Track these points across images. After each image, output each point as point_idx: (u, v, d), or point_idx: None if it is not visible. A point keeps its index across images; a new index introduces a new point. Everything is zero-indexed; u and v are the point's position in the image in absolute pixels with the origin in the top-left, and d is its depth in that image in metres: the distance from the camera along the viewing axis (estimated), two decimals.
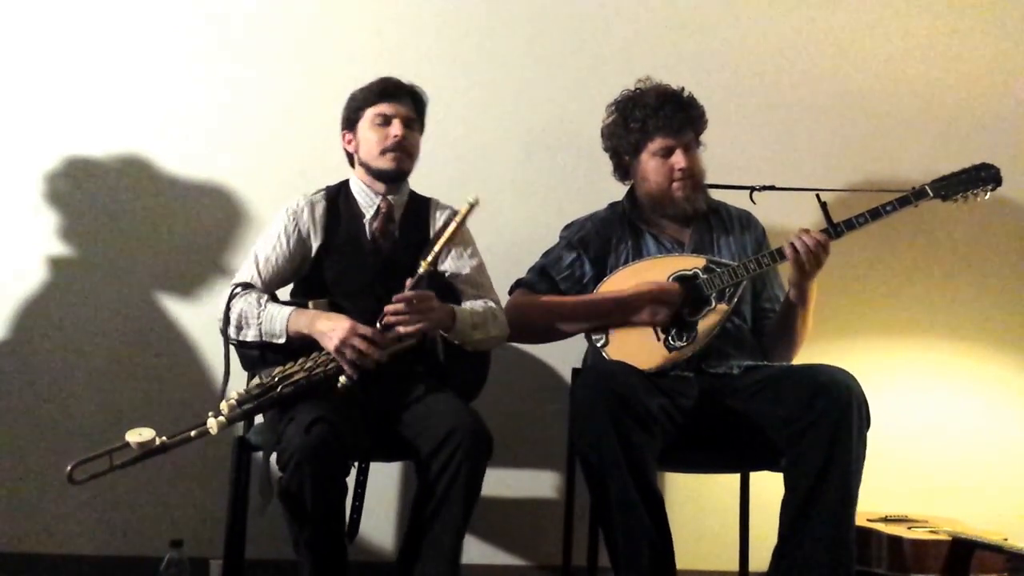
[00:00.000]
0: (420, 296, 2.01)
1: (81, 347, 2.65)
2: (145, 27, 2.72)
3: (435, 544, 1.95)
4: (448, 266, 2.26)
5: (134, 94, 2.70)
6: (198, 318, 2.64)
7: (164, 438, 1.89)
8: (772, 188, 2.38)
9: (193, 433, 1.91)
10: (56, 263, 2.67)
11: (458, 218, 2.04)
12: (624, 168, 2.38)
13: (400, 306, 1.99)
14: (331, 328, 1.99)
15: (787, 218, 2.44)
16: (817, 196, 2.18)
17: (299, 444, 1.85)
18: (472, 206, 2.03)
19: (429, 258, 2.03)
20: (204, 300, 2.65)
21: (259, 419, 2.21)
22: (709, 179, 2.36)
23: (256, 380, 2.00)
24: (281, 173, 2.68)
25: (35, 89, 2.69)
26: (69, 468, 1.84)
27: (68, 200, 2.67)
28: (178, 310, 2.67)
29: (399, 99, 2.23)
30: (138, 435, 1.86)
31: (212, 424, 1.91)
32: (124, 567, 2.58)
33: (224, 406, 1.93)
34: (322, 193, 2.27)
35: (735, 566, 2.53)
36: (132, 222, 2.68)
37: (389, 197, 2.26)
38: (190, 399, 2.57)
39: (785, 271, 2.29)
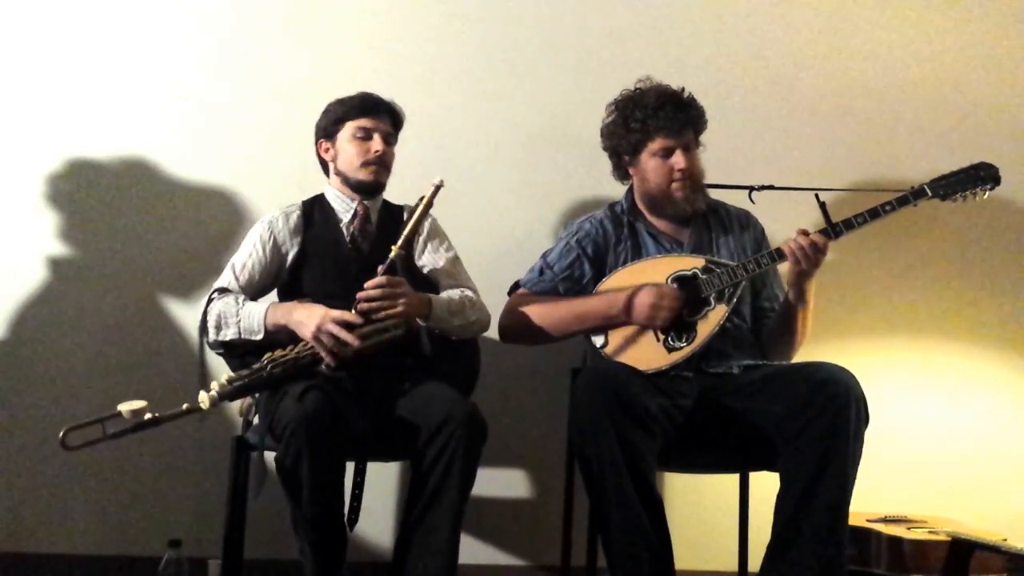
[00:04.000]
0: (392, 281, 2.05)
1: (80, 347, 2.65)
2: (145, 28, 2.71)
3: (432, 533, 1.96)
4: (424, 260, 2.31)
5: (134, 95, 2.70)
6: (197, 319, 2.63)
7: (155, 413, 1.90)
8: (771, 188, 2.38)
9: (185, 407, 1.93)
10: (55, 263, 2.67)
11: (426, 200, 2.09)
12: (623, 168, 2.38)
13: (373, 292, 2.03)
14: (307, 316, 2.03)
15: (786, 218, 2.43)
16: (816, 196, 2.18)
17: (293, 413, 1.88)
18: (437, 188, 2.09)
19: (400, 241, 2.07)
20: (203, 301, 2.63)
21: (257, 420, 2.21)
22: (708, 178, 2.36)
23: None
24: (280, 175, 2.67)
25: (35, 90, 2.69)
26: (62, 434, 1.85)
27: (68, 200, 2.67)
28: (177, 311, 2.67)
29: (379, 115, 2.29)
30: (130, 405, 1.88)
31: (203, 398, 1.93)
32: (122, 567, 2.58)
33: (215, 384, 1.95)
34: (297, 206, 2.33)
35: (734, 566, 2.52)
36: (132, 223, 2.68)
37: (365, 202, 2.31)
38: (189, 399, 2.56)
39: (785, 271, 2.30)
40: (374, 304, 2.03)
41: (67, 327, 2.65)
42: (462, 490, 1.97)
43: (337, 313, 2.01)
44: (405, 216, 2.34)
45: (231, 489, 2.17)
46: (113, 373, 2.64)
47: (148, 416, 1.89)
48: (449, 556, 1.96)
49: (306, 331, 2.01)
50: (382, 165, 2.28)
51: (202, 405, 1.93)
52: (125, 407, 1.88)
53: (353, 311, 2.03)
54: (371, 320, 2.04)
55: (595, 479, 2.01)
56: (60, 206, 2.67)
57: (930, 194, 2.19)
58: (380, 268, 2.06)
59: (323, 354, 2.00)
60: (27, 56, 2.69)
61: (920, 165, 2.55)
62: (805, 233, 2.13)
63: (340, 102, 2.31)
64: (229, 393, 1.95)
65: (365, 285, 2.04)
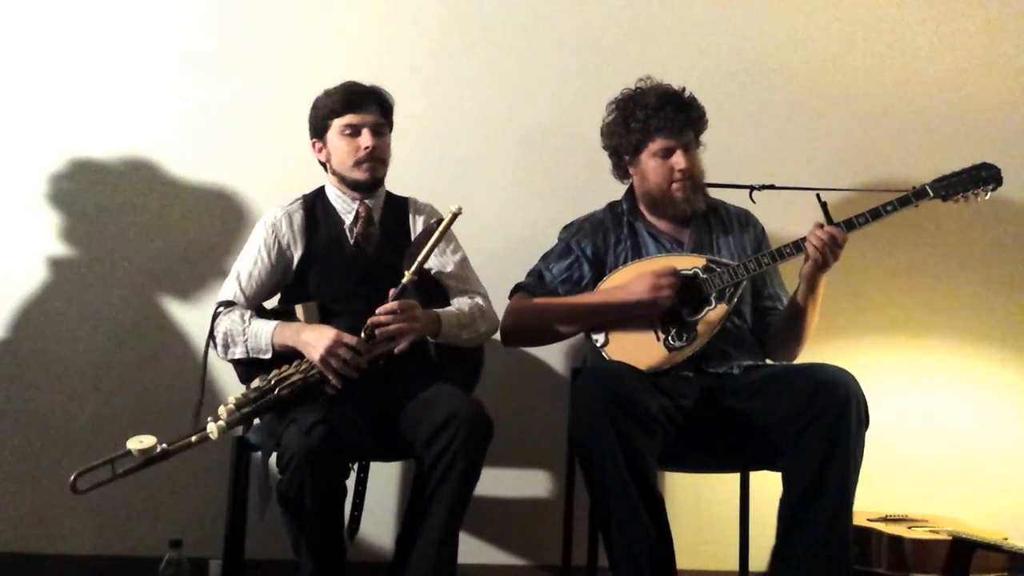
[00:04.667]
0: (404, 306, 2.02)
1: (80, 347, 2.65)
2: (145, 28, 2.71)
3: (432, 530, 1.95)
4: (432, 263, 2.26)
5: (135, 95, 2.70)
6: (197, 319, 2.63)
7: (165, 444, 1.89)
8: (772, 187, 2.37)
9: (194, 439, 1.91)
10: (55, 263, 2.67)
11: (441, 228, 2.04)
12: (623, 167, 2.38)
13: (384, 317, 2.01)
14: (316, 339, 2.00)
15: (787, 217, 2.44)
16: (817, 196, 2.18)
17: (299, 446, 1.86)
18: (455, 215, 2.03)
19: (413, 267, 2.04)
20: (203, 301, 2.64)
21: (258, 421, 2.21)
22: (708, 178, 2.36)
23: (255, 383, 2.01)
24: (281, 173, 2.67)
25: (36, 90, 2.69)
26: (72, 478, 1.84)
27: (68, 200, 2.67)
28: (177, 311, 2.67)
29: (365, 107, 2.22)
30: (139, 443, 1.87)
31: (212, 429, 1.91)
32: (123, 567, 2.58)
33: (223, 410, 1.93)
34: (299, 203, 2.28)
35: (735, 566, 2.52)
36: (132, 222, 2.68)
37: (367, 201, 2.27)
38: (189, 399, 2.54)
39: (785, 270, 2.29)
40: (384, 330, 2.01)
41: (68, 327, 2.65)
42: (464, 486, 1.95)
43: (347, 337, 1.99)
44: (412, 215, 2.31)
45: (232, 489, 2.17)
46: (115, 373, 2.65)
47: (158, 450, 1.88)
48: (448, 552, 1.96)
49: (314, 353, 1.99)
50: (375, 160, 2.22)
51: (211, 435, 1.91)
52: (134, 445, 1.87)
53: (363, 334, 2.01)
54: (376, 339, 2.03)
55: (596, 478, 2.00)
56: (60, 206, 2.67)
57: (932, 195, 2.19)
58: (392, 292, 2.03)
59: (330, 376, 1.99)
60: (27, 56, 2.69)
61: (922, 165, 2.55)
62: (821, 228, 2.13)
63: (326, 95, 2.25)
64: (237, 420, 1.94)
65: (377, 311, 2.01)
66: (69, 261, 2.67)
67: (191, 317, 2.66)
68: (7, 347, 2.63)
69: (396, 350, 2.03)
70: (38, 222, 2.66)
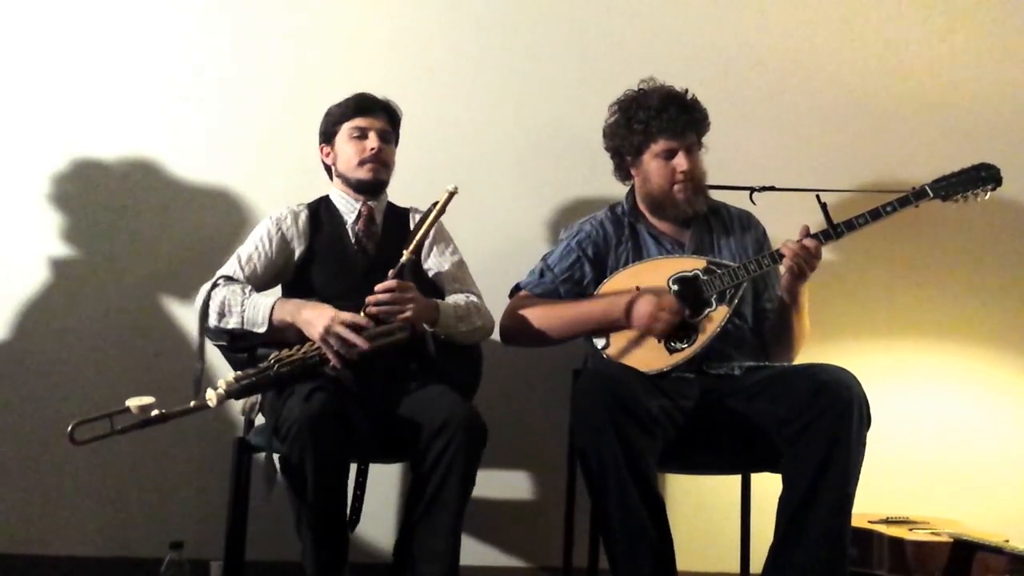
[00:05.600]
0: (401, 286, 2.05)
1: (82, 347, 2.65)
2: (147, 28, 2.72)
3: (431, 537, 1.96)
4: (430, 264, 2.32)
5: (136, 95, 2.70)
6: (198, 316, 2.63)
7: (163, 410, 1.90)
8: (772, 189, 2.38)
9: (192, 404, 1.93)
10: (57, 263, 2.67)
11: (439, 206, 2.09)
12: (626, 168, 2.38)
13: (382, 296, 2.03)
14: (315, 316, 2.02)
15: (787, 219, 2.43)
16: (817, 197, 2.18)
17: (299, 412, 1.88)
18: (451, 194, 2.08)
19: (411, 246, 2.07)
20: None
21: (259, 421, 2.21)
22: (710, 179, 2.36)
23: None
24: (282, 174, 2.68)
25: (38, 90, 2.69)
26: (70, 428, 1.85)
27: (70, 200, 2.67)
28: (179, 310, 2.67)
29: (374, 113, 2.30)
30: (138, 401, 1.89)
31: (211, 396, 1.93)
32: (124, 569, 2.58)
33: (222, 381, 1.95)
34: (303, 205, 2.33)
35: (736, 567, 2.52)
36: (134, 222, 2.68)
37: (369, 203, 2.32)
38: (190, 399, 2.56)
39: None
40: (383, 308, 2.04)
41: (69, 328, 2.65)
42: (461, 493, 1.96)
43: (346, 315, 2.01)
44: (412, 220, 2.35)
45: (233, 490, 2.17)
46: (116, 374, 2.64)
47: (156, 412, 1.89)
48: (450, 560, 1.96)
49: (314, 331, 2.01)
50: (380, 163, 2.29)
51: (209, 403, 1.93)
52: (133, 403, 1.89)
53: (362, 313, 2.03)
54: (379, 322, 2.04)
55: (596, 480, 2.00)
56: (62, 206, 2.67)
57: (931, 195, 2.19)
58: (390, 272, 2.06)
59: (330, 356, 2.00)
60: (29, 57, 2.69)
61: (921, 166, 2.55)
62: (797, 243, 2.13)
63: (337, 105, 2.33)
64: (236, 391, 1.95)
65: (375, 288, 2.04)
66: (71, 261, 2.67)
67: (193, 315, 2.65)
68: (7, 347, 2.64)
69: (400, 316, 2.02)
70: (39, 222, 2.66)
